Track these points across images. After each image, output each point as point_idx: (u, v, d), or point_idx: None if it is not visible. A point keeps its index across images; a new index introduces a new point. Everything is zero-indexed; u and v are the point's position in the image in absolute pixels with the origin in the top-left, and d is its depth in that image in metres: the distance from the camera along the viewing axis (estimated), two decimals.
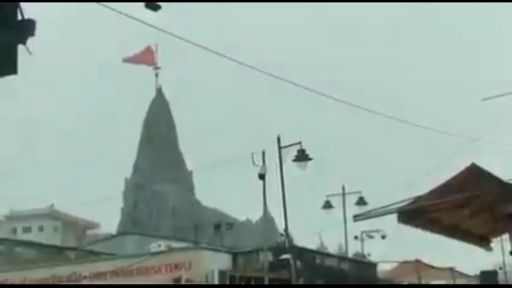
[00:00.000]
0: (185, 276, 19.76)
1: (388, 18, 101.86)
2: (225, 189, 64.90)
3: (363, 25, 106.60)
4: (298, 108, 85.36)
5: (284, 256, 20.22)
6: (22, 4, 5.35)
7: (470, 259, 21.90)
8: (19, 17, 5.37)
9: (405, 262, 26.59)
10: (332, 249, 35.43)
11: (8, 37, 5.31)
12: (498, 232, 15.27)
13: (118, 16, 7.72)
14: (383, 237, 32.46)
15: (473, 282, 29.67)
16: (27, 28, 5.33)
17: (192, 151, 69.33)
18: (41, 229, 66.51)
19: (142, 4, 7.18)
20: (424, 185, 13.27)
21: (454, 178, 12.11)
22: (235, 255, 21.55)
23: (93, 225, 66.30)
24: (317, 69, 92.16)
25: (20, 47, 5.42)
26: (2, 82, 5.59)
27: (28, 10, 5.35)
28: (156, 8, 6.94)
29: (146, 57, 67.99)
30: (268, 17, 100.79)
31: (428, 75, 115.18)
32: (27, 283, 22.21)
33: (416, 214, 12.62)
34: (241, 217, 67.08)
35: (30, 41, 5.39)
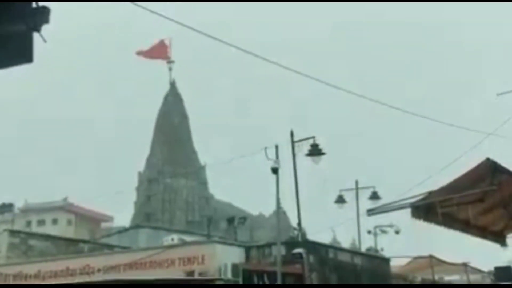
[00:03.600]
0: (198, 270, 19.79)
1: (408, 17, 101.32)
2: (239, 183, 65.07)
3: (373, 24, 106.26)
4: (313, 102, 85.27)
5: (297, 250, 20.20)
6: None
7: (484, 254, 21.78)
8: (33, 5, 5.39)
9: (419, 257, 26.48)
10: (345, 243, 35.37)
11: (23, 25, 5.33)
12: None
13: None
14: (397, 232, 32.32)
15: (487, 278, 29.53)
16: (42, 15, 5.34)
17: (205, 145, 69.47)
18: (55, 222, 66.98)
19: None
20: (438, 180, 13.18)
21: (469, 173, 12.03)
22: (248, 249, 21.54)
23: (106, 218, 66.61)
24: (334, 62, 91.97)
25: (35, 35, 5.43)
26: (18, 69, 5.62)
27: None
28: None
29: (160, 52, 67.92)
30: (281, 16, 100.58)
31: (445, 72, 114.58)
32: (41, 275, 22.34)
33: (430, 209, 12.54)
34: (254, 212, 67.12)
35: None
